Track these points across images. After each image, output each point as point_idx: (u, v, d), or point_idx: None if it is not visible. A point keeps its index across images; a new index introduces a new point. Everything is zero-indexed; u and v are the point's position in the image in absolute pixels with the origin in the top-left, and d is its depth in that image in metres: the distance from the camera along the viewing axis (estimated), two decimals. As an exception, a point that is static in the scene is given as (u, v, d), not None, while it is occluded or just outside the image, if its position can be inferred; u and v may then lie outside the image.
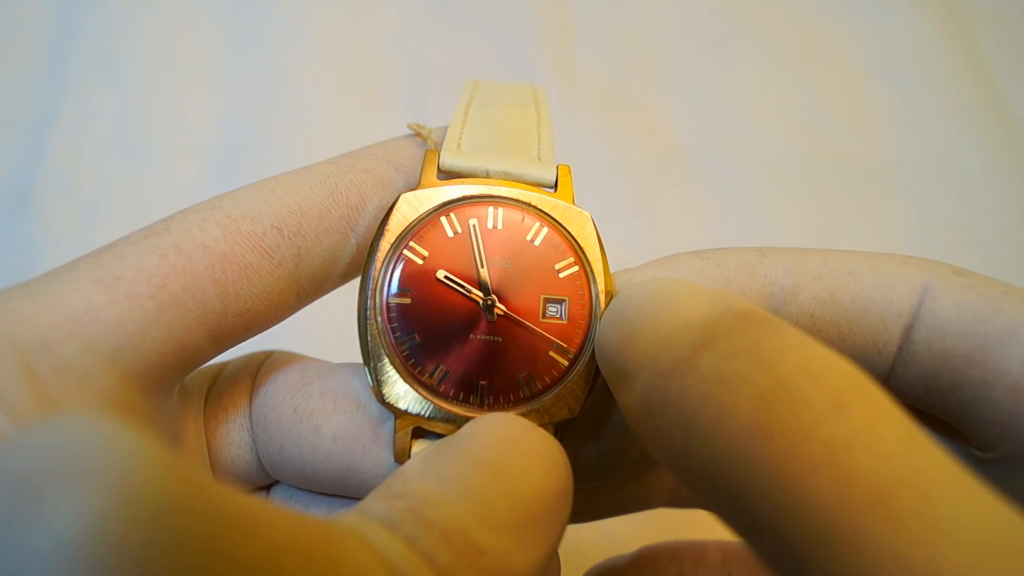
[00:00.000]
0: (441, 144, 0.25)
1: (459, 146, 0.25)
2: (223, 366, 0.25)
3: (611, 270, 0.24)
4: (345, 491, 0.24)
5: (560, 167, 0.25)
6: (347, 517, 0.17)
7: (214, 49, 0.60)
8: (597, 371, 0.23)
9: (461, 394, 0.22)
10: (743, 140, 0.61)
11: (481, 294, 0.23)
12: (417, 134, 0.26)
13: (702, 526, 0.29)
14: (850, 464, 0.14)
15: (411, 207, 0.23)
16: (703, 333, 0.17)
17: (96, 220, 0.54)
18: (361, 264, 0.24)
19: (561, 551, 0.22)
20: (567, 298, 0.23)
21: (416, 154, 0.25)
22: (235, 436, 0.24)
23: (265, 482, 0.25)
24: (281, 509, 0.14)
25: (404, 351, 0.22)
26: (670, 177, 0.60)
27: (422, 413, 0.22)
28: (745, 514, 0.15)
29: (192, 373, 0.23)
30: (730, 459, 0.15)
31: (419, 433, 0.23)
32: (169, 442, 0.21)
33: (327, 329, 0.39)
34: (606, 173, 0.59)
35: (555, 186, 0.25)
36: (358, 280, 0.24)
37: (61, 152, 0.55)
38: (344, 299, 0.26)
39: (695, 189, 0.59)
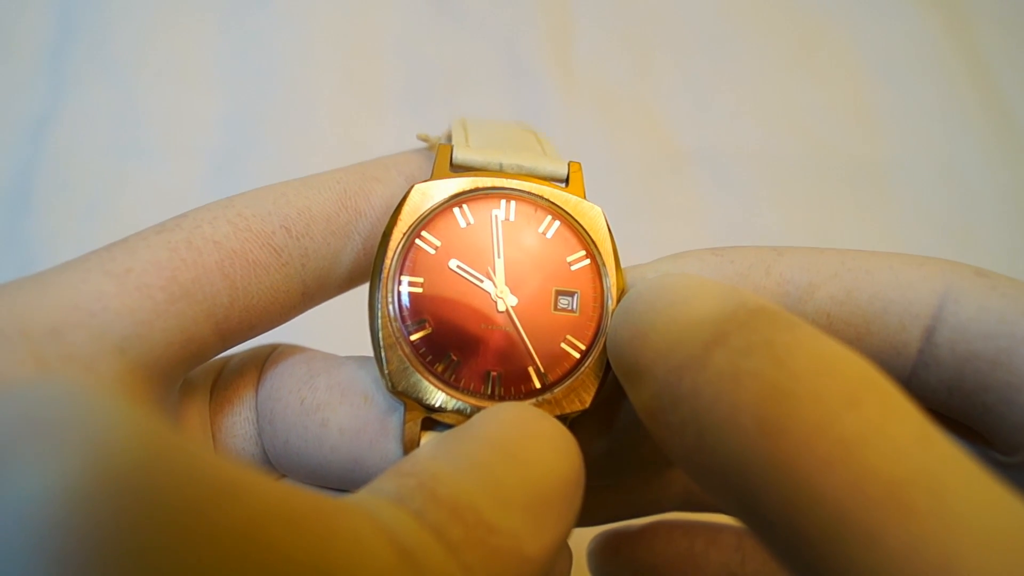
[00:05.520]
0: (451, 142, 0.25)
1: (468, 143, 0.25)
2: (228, 359, 0.25)
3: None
4: (352, 485, 0.24)
5: (571, 163, 0.25)
6: (353, 495, 0.16)
7: (214, 49, 0.60)
8: (609, 364, 0.23)
9: (472, 384, 0.22)
10: (743, 140, 0.61)
11: (493, 285, 0.23)
12: (428, 145, 0.26)
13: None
14: (864, 459, 0.14)
15: (423, 197, 0.23)
16: (715, 329, 0.17)
17: (96, 220, 0.53)
18: (367, 269, 0.24)
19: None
20: (578, 291, 0.23)
21: (425, 165, 0.25)
22: (240, 429, 0.24)
23: (271, 476, 0.25)
24: (272, 479, 0.13)
25: (415, 340, 0.22)
26: (670, 177, 0.60)
27: (432, 403, 0.22)
28: (758, 510, 0.15)
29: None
30: (743, 455, 0.15)
31: (428, 425, 0.23)
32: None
33: (334, 325, 0.39)
34: (606, 173, 0.59)
35: (566, 181, 0.25)
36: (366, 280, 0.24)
37: (61, 152, 0.55)
38: (351, 296, 0.26)
39: (695, 189, 0.60)
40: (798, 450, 0.14)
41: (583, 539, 0.27)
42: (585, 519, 0.27)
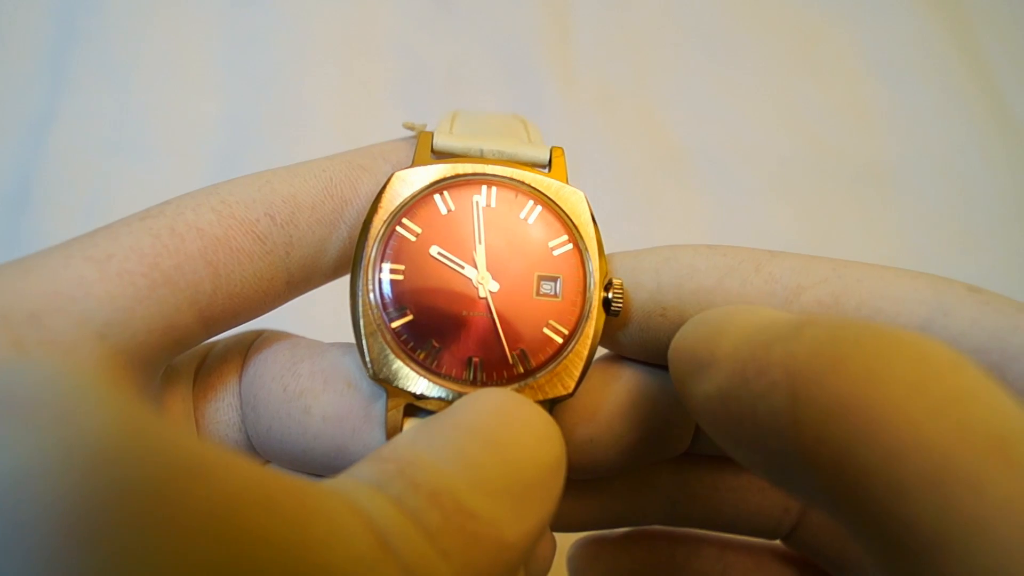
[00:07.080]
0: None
1: (451, 130, 0.25)
2: (213, 344, 0.25)
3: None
4: (335, 472, 0.23)
5: (554, 148, 0.25)
6: (331, 480, 0.16)
7: (214, 49, 0.60)
8: (592, 350, 0.23)
9: (454, 371, 0.22)
10: (743, 140, 0.61)
11: (475, 271, 0.23)
12: (414, 133, 0.26)
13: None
14: (971, 411, 0.14)
15: (404, 184, 0.23)
16: (802, 318, 0.17)
17: (96, 220, 0.53)
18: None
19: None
20: (561, 275, 0.23)
21: (412, 154, 0.25)
22: (224, 415, 0.24)
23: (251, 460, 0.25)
24: (250, 461, 0.13)
25: (396, 327, 0.22)
26: (669, 177, 0.60)
27: (414, 390, 0.22)
28: (854, 459, 0.15)
29: None
30: (843, 403, 0.15)
31: (411, 412, 0.23)
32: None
33: (320, 312, 0.39)
34: (605, 173, 0.59)
35: (549, 166, 0.25)
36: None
37: (61, 152, 0.55)
38: (338, 282, 0.26)
39: (694, 189, 0.59)
40: (904, 398, 0.15)
41: (563, 545, 0.27)
42: (568, 525, 0.27)
